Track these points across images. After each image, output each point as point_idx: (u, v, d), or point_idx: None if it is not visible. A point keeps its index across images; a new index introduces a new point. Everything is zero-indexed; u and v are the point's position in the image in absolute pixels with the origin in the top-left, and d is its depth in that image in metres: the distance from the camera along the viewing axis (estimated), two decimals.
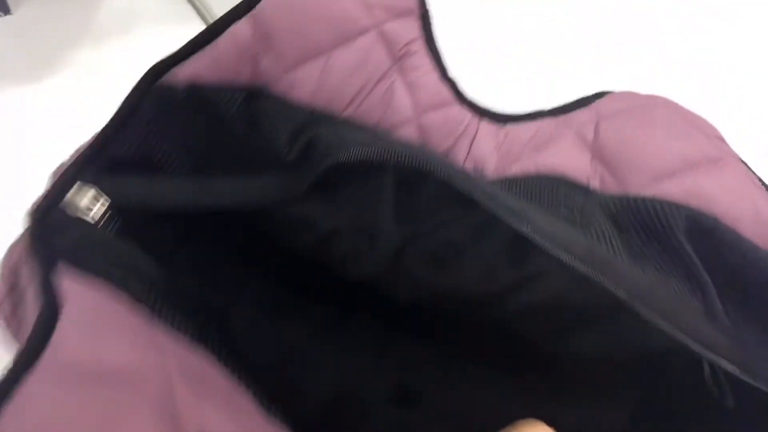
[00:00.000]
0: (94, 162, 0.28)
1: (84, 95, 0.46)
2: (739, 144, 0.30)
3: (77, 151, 0.29)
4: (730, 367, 0.24)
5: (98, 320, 0.22)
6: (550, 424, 0.28)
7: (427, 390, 0.38)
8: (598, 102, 0.32)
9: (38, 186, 0.27)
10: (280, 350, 0.39)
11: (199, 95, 0.29)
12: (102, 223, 0.28)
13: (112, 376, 0.20)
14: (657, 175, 0.28)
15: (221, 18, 0.29)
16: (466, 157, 0.30)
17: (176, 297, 0.26)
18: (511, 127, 0.31)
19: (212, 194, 0.30)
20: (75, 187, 0.26)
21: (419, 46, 0.30)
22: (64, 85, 0.46)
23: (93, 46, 0.49)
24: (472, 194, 0.23)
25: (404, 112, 0.29)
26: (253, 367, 0.40)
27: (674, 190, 0.27)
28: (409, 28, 0.30)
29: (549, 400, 0.37)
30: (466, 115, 0.30)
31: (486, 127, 0.31)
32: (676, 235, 0.26)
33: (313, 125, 0.29)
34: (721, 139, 0.30)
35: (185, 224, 0.33)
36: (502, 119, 0.31)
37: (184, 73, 0.29)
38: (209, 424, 0.20)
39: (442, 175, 0.23)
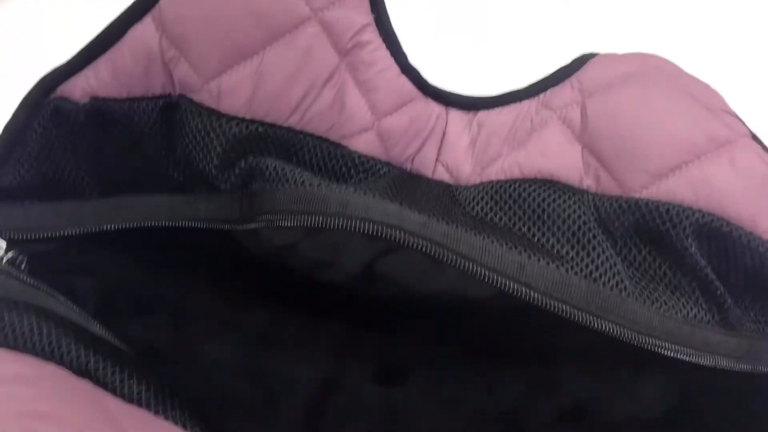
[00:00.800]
0: None
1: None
2: None
3: None
4: (737, 366, 0.24)
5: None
6: None
7: (413, 369, 0.36)
8: (580, 73, 0.27)
9: None
10: (247, 339, 0.37)
11: (102, 110, 0.24)
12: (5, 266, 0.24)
13: None
14: (659, 171, 0.24)
15: (116, 20, 0.23)
16: (436, 164, 0.25)
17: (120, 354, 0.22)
18: (484, 115, 0.26)
19: (130, 213, 0.27)
20: None
21: (371, 34, 0.24)
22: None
23: None
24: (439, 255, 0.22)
25: (360, 118, 0.24)
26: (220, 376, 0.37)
27: (681, 187, 0.23)
28: (357, 12, 0.24)
29: (544, 375, 0.35)
30: (433, 110, 0.26)
31: (456, 119, 0.26)
32: (683, 243, 0.23)
33: (253, 147, 0.24)
34: (728, 112, 0.26)
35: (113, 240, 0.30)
36: (472, 105, 0.27)
37: (81, 87, 0.24)
38: None
39: (406, 242, 0.22)
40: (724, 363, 0.24)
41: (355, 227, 0.22)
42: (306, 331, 0.37)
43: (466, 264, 0.22)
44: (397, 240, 0.22)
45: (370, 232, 0.22)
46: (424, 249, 0.22)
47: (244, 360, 0.37)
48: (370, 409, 0.35)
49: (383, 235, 0.22)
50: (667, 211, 0.23)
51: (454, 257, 0.22)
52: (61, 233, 0.26)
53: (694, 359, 0.23)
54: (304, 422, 0.34)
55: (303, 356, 0.36)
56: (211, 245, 0.33)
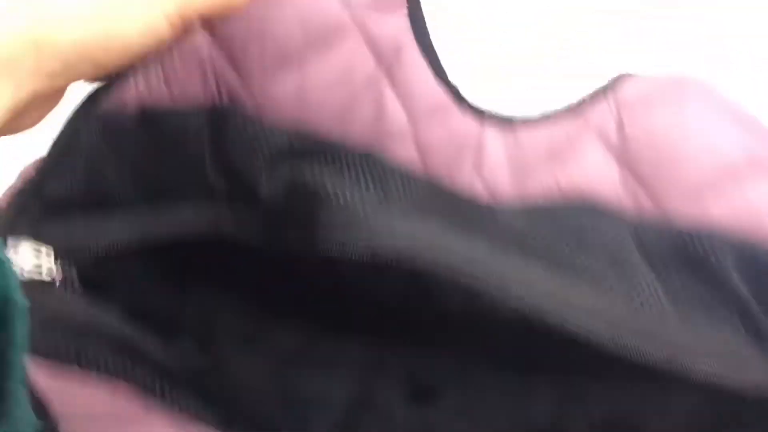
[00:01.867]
0: (29, 210, 0.24)
1: None
2: None
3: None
4: None
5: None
6: None
7: (444, 385, 0.36)
8: (617, 92, 0.28)
9: None
10: (276, 358, 0.37)
11: (151, 118, 0.25)
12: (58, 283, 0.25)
13: None
14: (698, 189, 0.24)
15: None
16: (473, 179, 0.25)
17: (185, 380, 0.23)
18: (521, 132, 0.27)
19: (173, 223, 0.27)
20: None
21: (410, 47, 0.25)
22: None
23: None
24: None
25: (398, 125, 0.24)
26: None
27: (720, 210, 0.23)
28: (398, 26, 0.25)
29: (577, 394, 0.35)
30: (470, 125, 0.26)
31: (492, 135, 0.26)
32: (724, 270, 0.23)
33: (296, 157, 0.24)
34: (765, 130, 0.26)
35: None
36: (510, 124, 0.27)
37: (130, 94, 0.24)
38: None
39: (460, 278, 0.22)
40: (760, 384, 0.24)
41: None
42: (334, 348, 0.37)
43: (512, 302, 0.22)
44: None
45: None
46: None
47: (274, 379, 0.37)
48: (403, 427, 0.35)
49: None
50: (709, 238, 0.23)
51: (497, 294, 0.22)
52: (107, 243, 0.26)
53: (730, 382, 0.23)
54: None
55: (333, 374, 0.36)
56: (236, 259, 0.33)
